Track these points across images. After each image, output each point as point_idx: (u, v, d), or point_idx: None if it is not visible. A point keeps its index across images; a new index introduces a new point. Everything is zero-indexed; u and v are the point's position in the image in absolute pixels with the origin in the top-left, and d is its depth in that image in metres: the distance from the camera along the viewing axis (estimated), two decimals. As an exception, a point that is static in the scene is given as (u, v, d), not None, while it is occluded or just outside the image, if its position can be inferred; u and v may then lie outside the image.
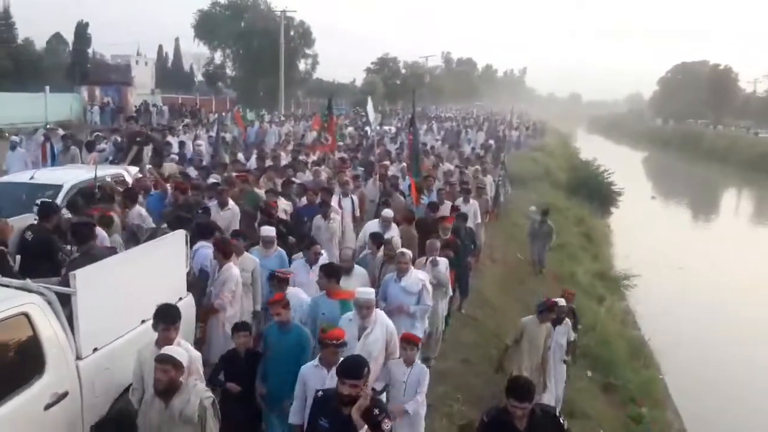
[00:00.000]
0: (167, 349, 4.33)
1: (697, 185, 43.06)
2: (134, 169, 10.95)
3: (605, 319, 12.62)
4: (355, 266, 7.12)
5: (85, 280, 4.73)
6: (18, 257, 6.62)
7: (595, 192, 26.83)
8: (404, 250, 7.20)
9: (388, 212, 9.38)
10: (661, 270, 18.15)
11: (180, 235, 6.24)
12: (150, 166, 12.09)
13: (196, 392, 4.31)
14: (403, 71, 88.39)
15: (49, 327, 4.54)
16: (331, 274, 6.22)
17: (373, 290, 5.86)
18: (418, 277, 6.88)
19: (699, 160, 55.92)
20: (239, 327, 5.70)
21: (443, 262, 7.97)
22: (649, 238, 22.05)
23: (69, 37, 51.02)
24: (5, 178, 9.76)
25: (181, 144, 17.05)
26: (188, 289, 6.30)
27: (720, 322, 14.82)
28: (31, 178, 9.11)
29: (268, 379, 5.56)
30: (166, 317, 4.78)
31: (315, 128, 20.96)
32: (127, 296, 5.20)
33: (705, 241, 25.68)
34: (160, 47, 75.79)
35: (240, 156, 15.52)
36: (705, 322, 14.76)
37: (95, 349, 4.88)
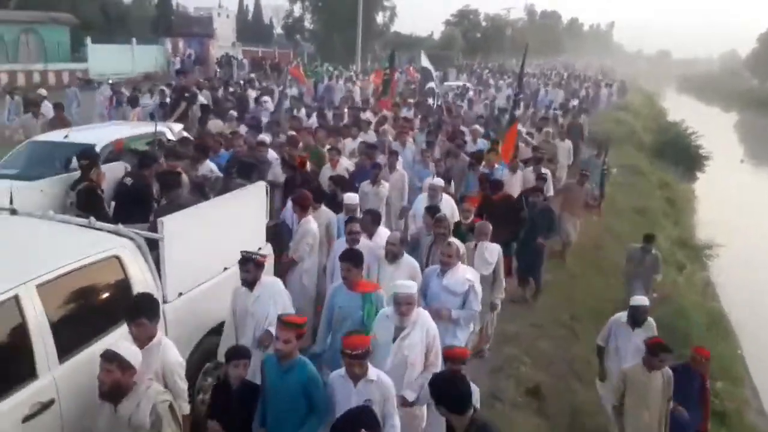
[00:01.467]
0: (116, 346, 3.79)
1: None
2: (178, 127, 10.59)
3: (684, 289, 12.19)
4: (405, 255, 6.08)
5: (172, 226, 4.95)
6: (113, 203, 7.00)
7: (681, 155, 25.60)
8: (452, 239, 6.13)
9: (437, 181, 8.37)
10: (746, 240, 17.25)
11: (260, 186, 6.41)
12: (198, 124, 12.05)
13: (149, 396, 3.78)
14: (484, 24, 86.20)
15: (138, 270, 4.77)
16: (349, 257, 5.29)
17: (415, 284, 5.02)
18: (465, 276, 5.74)
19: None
20: (235, 354, 4.50)
21: (494, 249, 7.00)
22: (737, 206, 20.93)
23: (155, -10, 52.35)
24: (42, 137, 9.28)
25: (258, 100, 16.92)
26: (268, 240, 6.49)
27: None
28: (66, 136, 8.67)
29: (267, 421, 4.42)
30: (129, 312, 4.25)
31: (376, 82, 20.14)
32: (210, 244, 5.41)
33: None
34: (241, 0, 76.66)
35: (302, 113, 14.99)
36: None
37: (180, 294, 5.12)
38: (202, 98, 14.58)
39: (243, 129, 11.46)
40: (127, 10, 46.97)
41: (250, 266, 5.08)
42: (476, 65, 54.32)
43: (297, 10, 61.44)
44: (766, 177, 30.91)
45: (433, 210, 7.11)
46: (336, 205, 7.54)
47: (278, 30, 72.77)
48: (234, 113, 13.25)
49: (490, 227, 7.03)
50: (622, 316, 6.57)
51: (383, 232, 6.59)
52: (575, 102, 25.57)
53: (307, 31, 62.84)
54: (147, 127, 9.47)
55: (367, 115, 14.82)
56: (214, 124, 12.21)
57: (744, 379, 10.26)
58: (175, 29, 44.81)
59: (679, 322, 10.36)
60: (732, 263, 15.55)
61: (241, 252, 5.12)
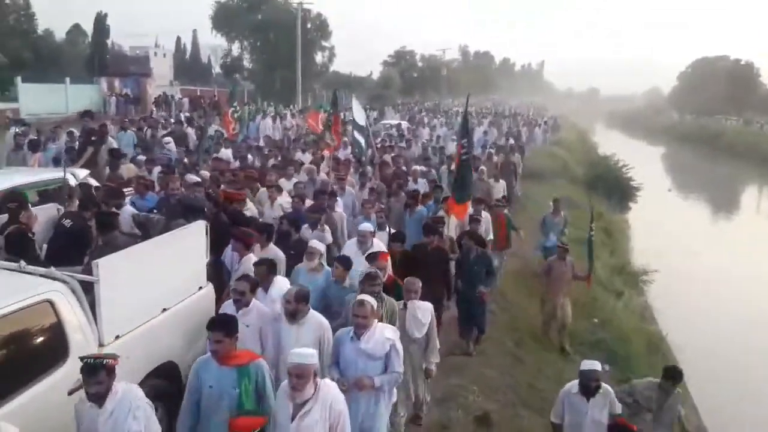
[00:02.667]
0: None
1: (717, 181, 42.47)
2: (83, 173, 9.61)
3: (623, 314, 12.55)
4: (311, 312, 5.31)
5: (108, 268, 4.80)
6: (45, 246, 6.74)
7: (613, 187, 26.63)
8: (364, 297, 5.09)
9: (365, 226, 7.63)
10: (679, 266, 17.99)
11: (200, 226, 6.29)
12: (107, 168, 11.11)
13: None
14: (420, 64, 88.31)
15: (72, 314, 4.60)
16: (220, 325, 4.53)
17: (312, 352, 4.21)
18: (384, 336, 4.99)
19: (719, 157, 55.15)
20: None
21: (426, 309, 6.17)
22: (668, 234, 21.85)
23: (88, 28, 51.57)
24: None
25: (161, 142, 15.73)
26: (208, 279, 6.36)
27: (739, 319, 14.65)
28: None
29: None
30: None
31: (310, 123, 18.09)
32: (148, 285, 5.27)
33: (724, 236, 25.40)
34: (178, 39, 76.55)
35: (224, 152, 14.32)
36: (724, 318, 14.61)
37: (117, 337, 4.94)
38: (113, 141, 13.38)
39: (155, 171, 10.80)
40: (59, 49, 46.08)
41: (101, 375, 3.78)
42: (413, 104, 55.26)
43: (235, 49, 61.64)
44: (692, 205, 32.48)
45: (343, 261, 6.52)
46: (287, 246, 7.39)
47: (217, 69, 72.63)
48: (143, 157, 12.55)
49: (419, 284, 6.19)
50: (573, 386, 5.82)
51: (282, 284, 6.01)
52: (510, 141, 25.20)
53: (246, 70, 62.91)
54: (45, 174, 9.18)
55: (303, 155, 14.73)
56: (128, 169, 11.36)
57: (684, 399, 10.54)
58: (110, 68, 44.16)
59: (620, 346, 10.67)
60: (667, 288, 16.15)
61: (82, 359, 3.88)
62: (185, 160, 12.88)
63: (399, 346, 5.08)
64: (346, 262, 6.48)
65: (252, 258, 6.69)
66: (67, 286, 4.67)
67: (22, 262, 4.86)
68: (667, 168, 50.15)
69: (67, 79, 36.09)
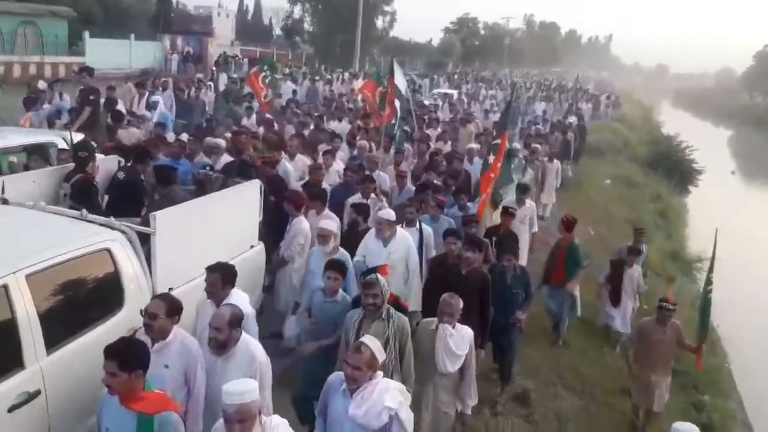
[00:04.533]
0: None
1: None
2: (78, 136, 8.35)
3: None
4: (242, 337, 4.22)
5: (165, 221, 4.94)
6: (106, 196, 6.99)
7: (674, 169, 25.74)
8: (367, 341, 3.85)
9: (386, 213, 6.44)
10: (737, 254, 17.34)
11: (255, 185, 6.41)
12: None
13: None
14: (483, 32, 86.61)
15: (129, 264, 4.76)
16: (108, 354, 3.44)
17: (252, 385, 3.25)
18: (382, 403, 3.71)
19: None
20: None
21: (465, 336, 4.91)
22: (728, 220, 21.04)
23: (155, -15, 52.34)
24: None
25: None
26: (260, 238, 6.49)
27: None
28: None
29: None
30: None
31: (365, 93, 15.73)
32: (203, 240, 5.39)
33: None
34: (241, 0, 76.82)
35: (248, 120, 13.51)
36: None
37: (171, 289, 5.09)
38: (121, 104, 12.06)
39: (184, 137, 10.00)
40: (126, 6, 46.91)
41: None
42: (467, 73, 53.74)
43: (297, 11, 61.68)
44: (757, 191, 31.14)
45: (335, 266, 5.34)
46: (354, 238, 6.74)
47: (277, 31, 72.89)
48: (134, 121, 11.41)
49: (460, 304, 4.87)
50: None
51: (242, 300, 4.77)
52: (570, 119, 22.73)
53: (306, 32, 62.93)
54: (30, 136, 8.56)
55: (338, 124, 13.84)
56: (128, 134, 10.20)
57: (730, 391, 10.30)
58: (174, 26, 44.84)
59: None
60: (723, 277, 15.60)
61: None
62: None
63: (405, 416, 3.79)
64: (340, 269, 5.26)
65: (302, 219, 6.79)
66: (126, 236, 4.82)
67: (84, 211, 5.07)
68: (734, 152, 48.10)
69: (132, 36, 36.84)
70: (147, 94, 14.12)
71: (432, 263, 6.54)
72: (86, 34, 33.14)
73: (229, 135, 10.37)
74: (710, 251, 7.47)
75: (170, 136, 10.30)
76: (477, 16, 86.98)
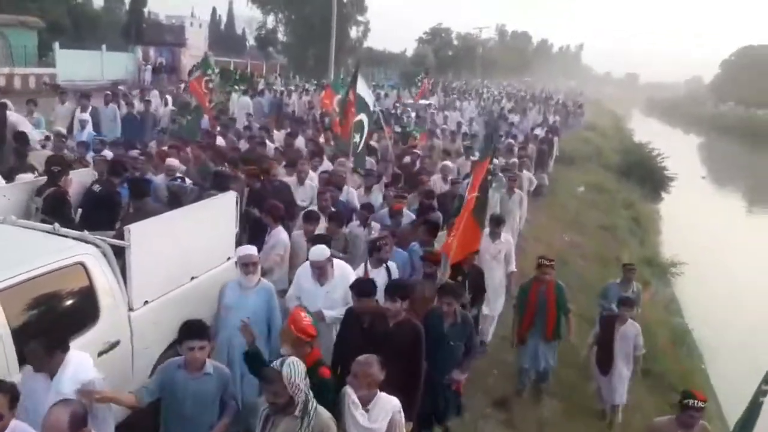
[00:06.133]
0: None
1: (756, 174, 41.42)
2: None
3: (648, 306, 12.41)
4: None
5: (139, 234, 4.88)
6: (79, 210, 6.89)
7: (647, 176, 26.20)
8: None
9: (317, 252, 5.47)
10: (710, 259, 17.68)
11: (231, 196, 6.36)
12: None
13: None
14: (456, 42, 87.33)
15: (103, 277, 4.69)
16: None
17: None
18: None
19: (762, 149, 53.57)
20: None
21: (384, 405, 4.03)
22: (700, 226, 21.45)
23: (126, -5, 51.94)
24: None
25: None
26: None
27: (768, 315, 14.40)
28: None
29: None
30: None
31: (324, 101, 14.56)
32: (178, 252, 5.35)
33: (759, 229, 24.84)
34: (214, 9, 76.87)
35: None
36: (753, 313, 14.36)
37: (146, 302, 5.04)
38: (27, 124, 10.27)
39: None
40: (96, 16, 46.49)
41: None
42: (437, 83, 53.22)
43: (270, 21, 61.39)
44: (727, 197, 31.79)
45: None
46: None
47: (251, 41, 72.71)
48: (64, 141, 10.17)
49: (376, 367, 3.98)
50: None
51: (80, 367, 3.87)
52: (537, 131, 21.74)
53: (280, 43, 62.80)
54: None
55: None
56: (42, 156, 8.51)
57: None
58: (146, 37, 44.40)
59: (644, 337, 10.53)
60: (696, 281, 15.90)
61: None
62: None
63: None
64: (204, 332, 4.23)
65: (281, 230, 6.76)
66: (99, 249, 4.76)
67: (56, 225, 4.98)
68: (704, 158, 49.09)
69: (104, 47, 36.45)
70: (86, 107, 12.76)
71: (350, 315, 5.12)
72: (56, 45, 32.71)
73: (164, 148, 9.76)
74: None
75: (89, 156, 9.40)
76: (450, 26, 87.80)
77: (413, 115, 21.73)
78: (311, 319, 4.35)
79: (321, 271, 5.52)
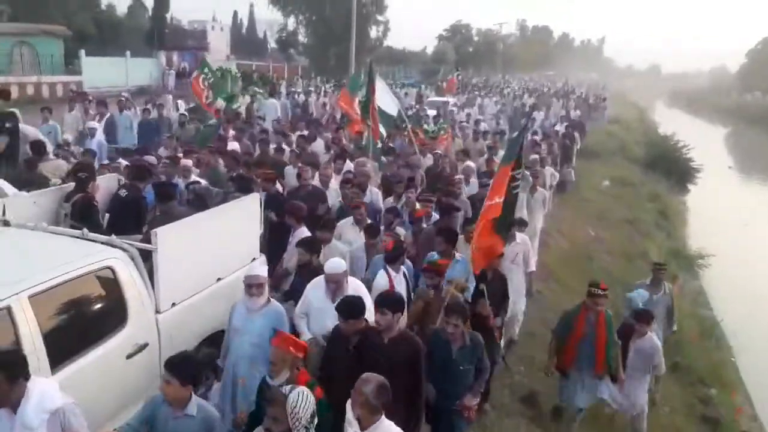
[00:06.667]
0: None
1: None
2: None
3: (676, 298, 12.26)
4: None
5: (166, 237, 4.96)
6: (107, 215, 7.03)
7: (672, 168, 25.86)
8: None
9: (334, 265, 5.17)
10: (738, 250, 17.38)
11: (255, 198, 6.45)
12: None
13: None
14: (476, 39, 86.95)
15: (131, 281, 4.78)
16: None
17: None
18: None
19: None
20: None
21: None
22: (727, 217, 21.10)
23: (149, 2, 52.58)
24: None
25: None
26: (261, 250, 6.51)
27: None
28: None
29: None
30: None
31: (342, 105, 14.13)
32: (204, 255, 5.43)
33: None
34: (235, 13, 77.23)
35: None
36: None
37: (173, 304, 5.13)
38: (38, 134, 9.99)
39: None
40: (120, 23, 47.06)
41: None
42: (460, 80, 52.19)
43: (291, 23, 61.79)
44: (755, 187, 31.18)
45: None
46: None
47: (272, 44, 73.09)
48: (69, 151, 10.09)
49: (372, 386, 3.61)
50: None
51: (45, 398, 3.48)
52: (559, 127, 20.88)
53: (300, 44, 63.10)
54: None
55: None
56: (53, 165, 8.77)
57: (736, 384, 10.33)
58: (169, 42, 44.90)
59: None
60: (724, 273, 15.66)
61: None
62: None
63: None
64: (182, 369, 3.86)
65: (304, 231, 6.80)
66: (127, 253, 4.85)
67: (85, 230, 5.10)
68: (730, 148, 48.21)
69: (128, 53, 36.96)
70: (105, 115, 13.25)
71: (337, 333, 4.71)
72: (82, 52, 33.24)
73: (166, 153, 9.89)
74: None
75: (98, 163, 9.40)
76: (470, 22, 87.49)
77: (432, 113, 21.02)
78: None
79: (337, 285, 5.11)
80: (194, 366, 3.98)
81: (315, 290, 5.28)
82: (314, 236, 6.35)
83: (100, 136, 11.86)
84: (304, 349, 4.08)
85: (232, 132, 12.53)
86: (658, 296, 7.44)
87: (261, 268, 5.14)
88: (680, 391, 8.94)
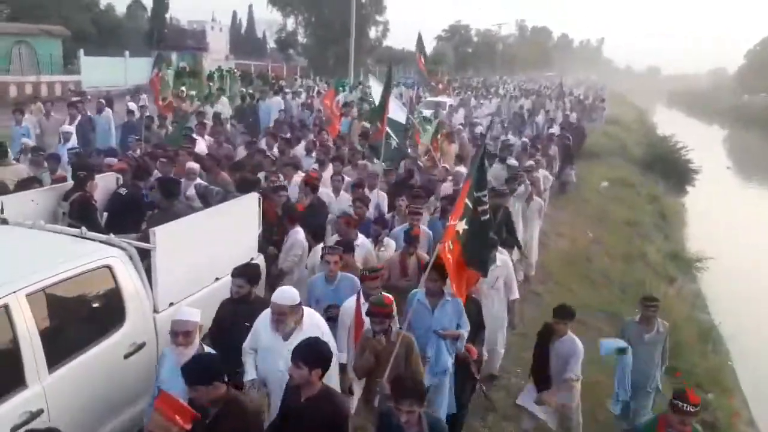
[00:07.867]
0: None
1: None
2: None
3: (674, 301, 12.26)
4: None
5: (164, 236, 4.96)
6: (105, 214, 7.03)
7: (671, 169, 25.86)
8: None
9: (284, 295, 4.49)
10: (736, 252, 17.38)
11: (253, 198, 6.44)
12: None
13: None
14: (475, 39, 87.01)
15: (129, 280, 4.78)
16: None
17: None
18: None
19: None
20: None
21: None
22: (725, 219, 21.11)
23: (148, 2, 52.62)
24: None
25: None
26: (259, 250, 6.51)
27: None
28: None
29: None
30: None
31: (325, 102, 13.83)
32: (202, 254, 5.42)
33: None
34: (234, 13, 77.29)
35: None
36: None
37: (171, 304, 5.11)
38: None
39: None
40: (119, 23, 47.05)
41: None
42: (458, 82, 51.91)
43: (290, 24, 61.89)
44: (753, 189, 31.21)
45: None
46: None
47: (271, 44, 73.10)
48: (42, 155, 8.99)
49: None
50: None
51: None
52: (554, 129, 20.61)
53: (300, 45, 63.12)
54: None
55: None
56: (12, 171, 8.17)
57: (734, 389, 10.31)
58: (168, 42, 44.88)
59: (670, 333, 10.44)
60: (722, 276, 15.65)
61: None
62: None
63: None
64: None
65: (299, 230, 6.80)
66: (125, 252, 4.84)
67: (83, 229, 5.09)
68: (729, 150, 48.25)
69: (127, 53, 36.93)
70: (75, 117, 12.53)
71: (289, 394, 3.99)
72: (81, 52, 33.22)
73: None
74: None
75: (60, 171, 8.67)
76: (469, 23, 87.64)
77: (428, 113, 20.72)
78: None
79: (280, 319, 4.35)
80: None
81: (264, 322, 4.55)
82: (250, 264, 5.67)
83: (74, 141, 11.27)
84: (192, 418, 3.41)
85: (208, 137, 12.05)
86: (650, 335, 6.31)
87: (190, 312, 4.31)
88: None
